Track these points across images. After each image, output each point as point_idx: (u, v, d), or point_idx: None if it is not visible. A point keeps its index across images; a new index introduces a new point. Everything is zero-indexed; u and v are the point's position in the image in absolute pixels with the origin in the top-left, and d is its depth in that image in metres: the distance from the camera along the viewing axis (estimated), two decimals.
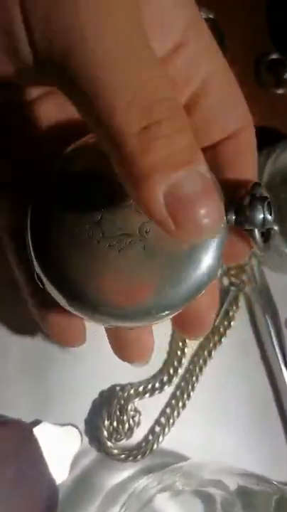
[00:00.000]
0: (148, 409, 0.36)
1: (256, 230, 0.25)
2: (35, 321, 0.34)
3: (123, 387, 0.36)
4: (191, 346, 0.38)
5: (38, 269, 0.26)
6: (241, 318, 0.39)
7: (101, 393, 0.35)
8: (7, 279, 0.31)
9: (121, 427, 0.34)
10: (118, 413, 0.34)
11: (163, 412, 0.37)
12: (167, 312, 0.25)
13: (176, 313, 0.26)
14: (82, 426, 0.34)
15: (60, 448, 0.33)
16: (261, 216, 0.24)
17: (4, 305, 0.34)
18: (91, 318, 0.26)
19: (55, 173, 0.26)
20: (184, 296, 0.25)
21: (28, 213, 0.26)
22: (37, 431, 0.32)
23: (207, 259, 0.24)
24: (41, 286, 0.27)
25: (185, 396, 0.37)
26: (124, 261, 0.25)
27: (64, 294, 0.25)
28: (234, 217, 0.24)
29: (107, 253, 0.25)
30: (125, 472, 0.35)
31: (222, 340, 0.39)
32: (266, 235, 0.26)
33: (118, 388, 0.36)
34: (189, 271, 0.24)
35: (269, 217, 0.24)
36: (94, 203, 0.25)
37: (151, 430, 0.36)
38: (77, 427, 0.34)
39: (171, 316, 0.26)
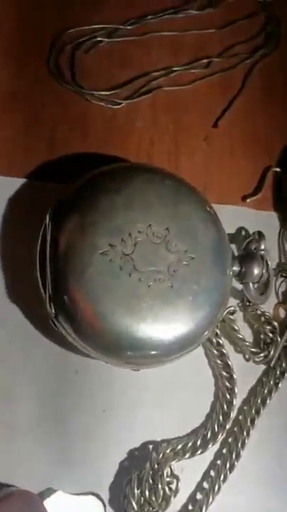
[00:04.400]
0: (188, 471, 0.30)
1: (251, 283, 0.30)
2: (52, 363, 0.29)
3: (156, 446, 0.29)
4: (240, 395, 0.31)
5: (53, 295, 0.26)
6: None
7: (131, 453, 0.29)
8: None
9: (154, 497, 0.28)
10: (151, 481, 0.28)
11: (206, 476, 0.30)
12: (185, 351, 0.27)
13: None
14: (106, 494, 0.28)
15: None
16: (257, 272, 0.30)
17: (19, 346, 0.29)
18: (108, 355, 0.27)
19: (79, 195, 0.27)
20: (199, 335, 0.27)
21: (49, 231, 0.26)
22: (49, 502, 0.26)
23: (218, 306, 0.28)
24: (53, 314, 0.26)
25: (234, 455, 0.30)
26: (153, 296, 0.26)
27: (79, 326, 0.26)
28: (237, 269, 0.30)
29: (138, 287, 0.25)
30: None
31: (279, 384, 0.32)
32: (264, 288, 0.31)
33: (151, 447, 0.29)
34: (206, 313, 0.27)
35: (264, 272, 0.30)
36: (127, 234, 0.26)
37: (192, 498, 0.30)
38: (99, 497, 0.28)
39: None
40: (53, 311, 0.26)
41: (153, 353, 0.27)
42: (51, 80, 0.33)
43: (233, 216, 0.34)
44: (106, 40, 0.33)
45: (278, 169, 0.36)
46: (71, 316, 0.26)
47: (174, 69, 0.35)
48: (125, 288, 0.26)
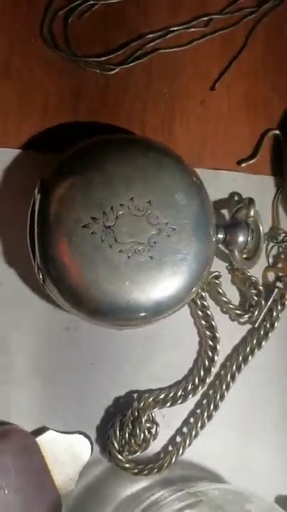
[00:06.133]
0: (169, 417, 0.33)
1: (236, 251, 0.31)
2: (46, 321, 0.32)
3: (140, 395, 0.32)
4: (223, 353, 0.33)
5: (41, 264, 0.28)
6: None
7: (117, 400, 0.32)
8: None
9: (133, 440, 0.31)
10: (130, 426, 0.31)
11: (185, 422, 0.33)
12: (160, 317, 0.29)
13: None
14: (93, 434, 0.32)
15: (67, 457, 0.31)
16: (241, 239, 0.31)
17: (15, 304, 0.32)
18: (94, 319, 0.29)
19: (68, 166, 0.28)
20: (176, 302, 0.29)
21: (37, 204, 0.28)
22: (41, 440, 0.30)
23: (197, 275, 0.29)
24: (41, 281, 0.29)
25: (212, 406, 0.33)
26: (132, 266, 0.28)
27: (64, 292, 0.28)
28: (221, 237, 0.31)
29: (118, 257, 0.27)
30: (140, 483, 0.32)
31: (262, 343, 0.34)
32: (253, 252, 0.32)
33: (135, 395, 0.33)
34: (184, 282, 0.29)
35: (249, 239, 0.31)
36: (109, 207, 0.28)
37: (172, 441, 0.33)
38: (87, 436, 0.31)
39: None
40: (41, 277, 0.29)
41: (132, 317, 0.29)
42: (45, 50, 0.33)
43: (227, 181, 0.34)
44: (100, 2, 0.33)
45: (277, 131, 0.35)
46: (56, 284, 0.28)
47: (171, 29, 0.34)
48: (106, 258, 0.28)
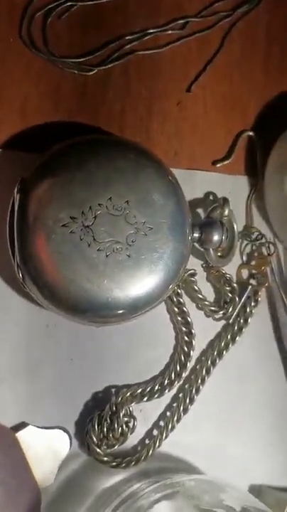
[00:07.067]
0: (147, 411, 0.34)
1: (211, 249, 0.32)
2: (25, 318, 0.32)
3: (118, 390, 0.33)
4: (198, 348, 0.34)
5: (21, 262, 0.29)
6: (260, 315, 0.35)
7: (95, 395, 0.33)
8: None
9: (111, 434, 0.32)
10: (108, 420, 0.32)
11: (162, 416, 0.34)
12: (138, 313, 0.30)
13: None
14: (72, 429, 0.33)
15: (47, 452, 0.31)
16: (216, 238, 0.32)
17: None
18: (71, 315, 0.30)
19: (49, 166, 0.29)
20: (153, 299, 0.30)
21: (16, 204, 0.29)
22: (21, 435, 0.30)
23: (173, 273, 0.30)
24: (20, 279, 0.29)
25: (188, 400, 0.34)
26: (110, 264, 0.28)
27: (43, 291, 0.29)
28: (197, 236, 0.32)
29: (96, 256, 0.28)
30: (118, 476, 0.33)
31: (237, 338, 0.35)
32: (228, 251, 0.33)
33: (113, 390, 0.33)
34: (161, 280, 0.30)
35: (223, 238, 0.32)
36: (88, 207, 0.28)
37: (149, 434, 0.34)
38: (66, 431, 0.32)
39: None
40: (21, 276, 0.29)
41: (111, 314, 0.30)
42: (24, 50, 0.33)
43: (203, 181, 0.35)
44: (79, 3, 0.33)
45: (251, 133, 0.36)
46: (35, 282, 0.28)
47: (149, 31, 0.35)
48: (84, 257, 0.28)
